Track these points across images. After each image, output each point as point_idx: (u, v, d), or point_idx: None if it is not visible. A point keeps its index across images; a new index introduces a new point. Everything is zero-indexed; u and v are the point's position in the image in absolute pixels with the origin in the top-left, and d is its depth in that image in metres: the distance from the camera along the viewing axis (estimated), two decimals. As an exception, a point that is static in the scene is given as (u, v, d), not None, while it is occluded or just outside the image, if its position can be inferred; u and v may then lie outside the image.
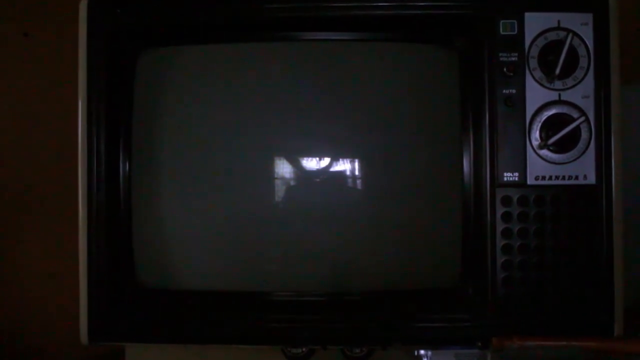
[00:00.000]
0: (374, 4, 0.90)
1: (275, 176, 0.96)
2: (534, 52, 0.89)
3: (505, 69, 0.89)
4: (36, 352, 1.29)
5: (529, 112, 0.89)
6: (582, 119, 0.89)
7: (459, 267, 0.94)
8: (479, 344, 0.89)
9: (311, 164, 0.97)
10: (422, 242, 0.95)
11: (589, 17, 0.89)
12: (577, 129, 0.89)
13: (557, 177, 0.89)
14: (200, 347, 0.97)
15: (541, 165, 0.89)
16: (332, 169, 0.97)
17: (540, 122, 0.89)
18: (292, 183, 0.97)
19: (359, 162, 0.97)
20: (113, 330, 0.93)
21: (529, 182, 0.89)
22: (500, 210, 0.89)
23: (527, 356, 0.86)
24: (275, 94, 0.97)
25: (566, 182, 0.89)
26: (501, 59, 0.89)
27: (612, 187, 0.89)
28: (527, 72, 0.89)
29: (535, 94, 0.89)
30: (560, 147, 0.89)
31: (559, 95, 0.89)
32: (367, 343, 0.94)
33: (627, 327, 0.89)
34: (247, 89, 0.97)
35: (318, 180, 0.97)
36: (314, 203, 0.97)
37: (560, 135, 0.88)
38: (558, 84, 0.89)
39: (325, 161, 0.96)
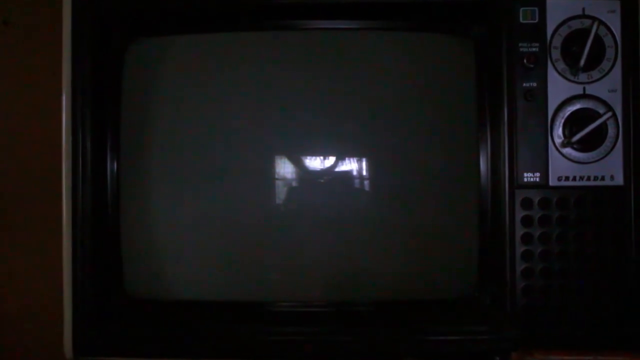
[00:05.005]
0: (385, -10, 0.90)
1: (276, 176, 0.95)
2: (557, 42, 0.88)
3: (525, 60, 0.88)
4: (17, 367, 1.28)
5: (551, 107, 0.89)
6: (609, 114, 0.87)
7: (475, 275, 0.93)
8: (497, 358, 0.88)
9: (315, 163, 0.96)
10: (435, 248, 0.95)
11: (616, 4, 0.88)
12: (604, 126, 0.88)
13: (581, 178, 0.88)
14: (194, 362, 0.96)
15: (564, 164, 0.88)
16: (337, 169, 0.96)
17: (563, 118, 0.88)
18: (294, 184, 0.96)
19: (366, 161, 0.96)
20: (99, 344, 0.92)
21: (551, 183, 0.89)
22: (520, 213, 0.89)
23: (550, 372, 0.85)
24: (276, 88, 0.96)
25: (591, 183, 0.88)
26: (521, 49, 0.89)
27: (641, 189, 0.88)
28: (549, 63, 0.88)
29: (558, 87, 0.88)
30: (585, 145, 0.88)
31: (584, 88, 0.89)
32: (377, 357, 0.93)
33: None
34: (246, 82, 0.96)
35: (322, 181, 0.96)
36: (318, 206, 0.96)
37: (585, 132, 0.87)
38: (583, 77, 0.88)
39: (330, 160, 0.96)
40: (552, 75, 0.88)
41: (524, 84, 0.88)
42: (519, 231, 0.88)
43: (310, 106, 0.96)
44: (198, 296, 0.96)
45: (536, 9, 0.88)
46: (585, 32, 0.87)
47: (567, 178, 0.88)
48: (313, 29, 0.95)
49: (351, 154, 0.96)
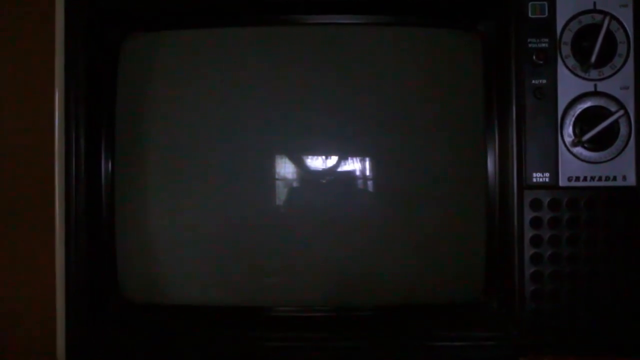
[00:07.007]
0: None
1: (277, 177, 0.95)
2: (567, 37, 0.88)
3: (534, 57, 0.88)
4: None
5: (561, 104, 0.88)
6: (621, 112, 0.86)
7: (483, 278, 0.92)
8: (506, 365, 0.87)
9: (316, 163, 0.95)
10: (440, 251, 0.94)
11: (628, -1, 0.88)
12: (615, 124, 0.87)
13: (592, 178, 0.88)
14: (191, 367, 0.95)
15: (575, 164, 0.88)
16: (339, 169, 0.95)
17: (573, 116, 0.87)
18: (295, 185, 0.96)
19: (369, 161, 0.96)
20: (94, 348, 0.91)
21: (561, 184, 0.88)
22: (528, 215, 0.88)
23: (560, 379, 0.85)
24: (276, 85, 0.95)
25: (603, 183, 0.88)
26: (530, 45, 0.88)
27: (654, 189, 0.87)
28: (559, 60, 0.88)
29: (568, 84, 0.88)
30: (597, 144, 0.87)
31: (595, 86, 0.88)
32: (380, 364, 0.92)
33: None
34: (245, 79, 0.95)
35: (324, 181, 0.96)
36: (320, 207, 0.96)
37: (597, 130, 0.86)
38: (594, 74, 0.88)
39: (332, 160, 0.95)
40: (562, 72, 0.88)
41: (533, 81, 0.88)
42: (528, 233, 0.88)
43: (311, 104, 0.95)
44: (195, 300, 0.95)
45: (545, 3, 0.88)
46: (596, 27, 0.86)
47: (577, 178, 0.88)
48: (314, 24, 0.95)
49: (354, 154, 0.95)
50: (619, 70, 0.87)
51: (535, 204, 0.88)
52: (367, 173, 0.96)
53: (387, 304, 0.94)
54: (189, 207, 0.96)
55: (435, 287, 0.94)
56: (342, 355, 0.90)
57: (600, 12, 0.87)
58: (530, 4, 0.88)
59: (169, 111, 0.96)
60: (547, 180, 0.88)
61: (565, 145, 0.88)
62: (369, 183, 0.96)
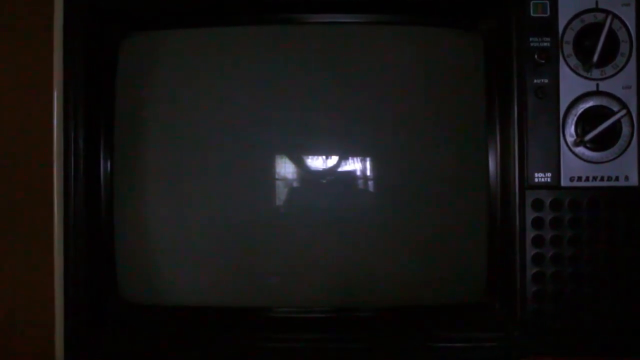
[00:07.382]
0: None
1: (277, 177, 0.94)
2: (569, 36, 0.87)
3: (536, 56, 0.87)
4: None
5: (563, 104, 0.87)
6: (623, 112, 0.86)
7: (484, 279, 0.92)
8: (507, 366, 0.87)
9: (317, 163, 0.95)
10: (442, 251, 0.93)
11: (631, -3, 0.88)
12: (618, 124, 0.87)
13: (594, 178, 0.87)
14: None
15: (577, 164, 0.87)
16: (340, 169, 0.95)
17: (575, 115, 0.87)
18: (295, 184, 0.95)
19: (370, 160, 0.95)
20: (93, 349, 0.91)
21: (563, 184, 0.87)
22: (530, 215, 0.87)
23: (562, 380, 0.85)
24: (276, 84, 0.95)
25: (605, 183, 0.87)
26: (532, 44, 0.88)
27: (657, 189, 0.87)
28: (561, 59, 0.87)
29: (570, 84, 0.87)
30: (599, 144, 0.87)
31: (597, 85, 0.87)
32: (380, 365, 0.92)
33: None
34: (245, 78, 0.95)
35: (325, 181, 0.95)
36: (320, 207, 0.95)
37: (599, 130, 0.86)
38: (596, 73, 0.87)
39: (333, 160, 0.95)
40: (564, 71, 0.87)
41: (535, 81, 0.87)
42: (530, 234, 0.87)
43: (311, 103, 0.95)
44: (195, 301, 0.95)
45: (547, 2, 0.87)
46: (598, 26, 0.86)
47: (579, 178, 0.87)
48: (315, 23, 0.94)
49: (354, 154, 0.95)
50: (621, 69, 0.87)
51: (537, 204, 0.87)
52: (368, 173, 0.95)
53: (388, 305, 0.94)
54: (189, 207, 0.96)
55: (436, 288, 0.93)
56: (343, 355, 0.89)
57: (603, 10, 0.87)
58: (532, 2, 0.87)
59: (168, 111, 0.95)
60: (548, 180, 0.87)
61: (567, 145, 0.87)
62: (370, 183, 0.96)
